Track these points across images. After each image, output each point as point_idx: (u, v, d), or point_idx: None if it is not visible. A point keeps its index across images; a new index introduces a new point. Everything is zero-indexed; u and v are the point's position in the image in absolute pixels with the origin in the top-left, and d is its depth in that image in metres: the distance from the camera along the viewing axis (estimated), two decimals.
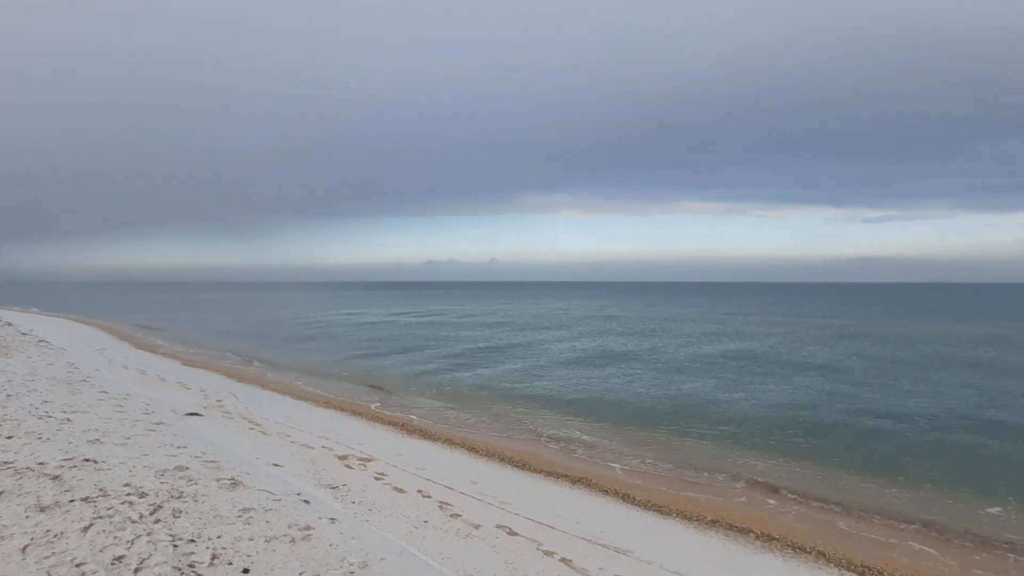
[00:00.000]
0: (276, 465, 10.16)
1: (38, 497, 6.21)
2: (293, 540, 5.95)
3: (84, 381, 14.97)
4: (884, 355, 32.48)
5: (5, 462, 7.27)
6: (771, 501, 11.62)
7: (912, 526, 10.62)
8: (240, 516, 6.41)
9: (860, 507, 11.36)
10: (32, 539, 5.23)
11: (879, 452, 14.72)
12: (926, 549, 9.75)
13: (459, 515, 9.05)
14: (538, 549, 8.08)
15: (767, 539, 9.62)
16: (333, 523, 6.67)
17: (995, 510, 11.36)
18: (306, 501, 7.41)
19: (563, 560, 7.77)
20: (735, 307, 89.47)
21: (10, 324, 31.31)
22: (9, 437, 8.41)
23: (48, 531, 5.42)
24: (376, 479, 10.49)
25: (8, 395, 11.45)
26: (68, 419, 10.13)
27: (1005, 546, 9.89)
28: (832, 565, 8.84)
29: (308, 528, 6.33)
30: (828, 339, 41.12)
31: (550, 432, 16.44)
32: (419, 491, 10.06)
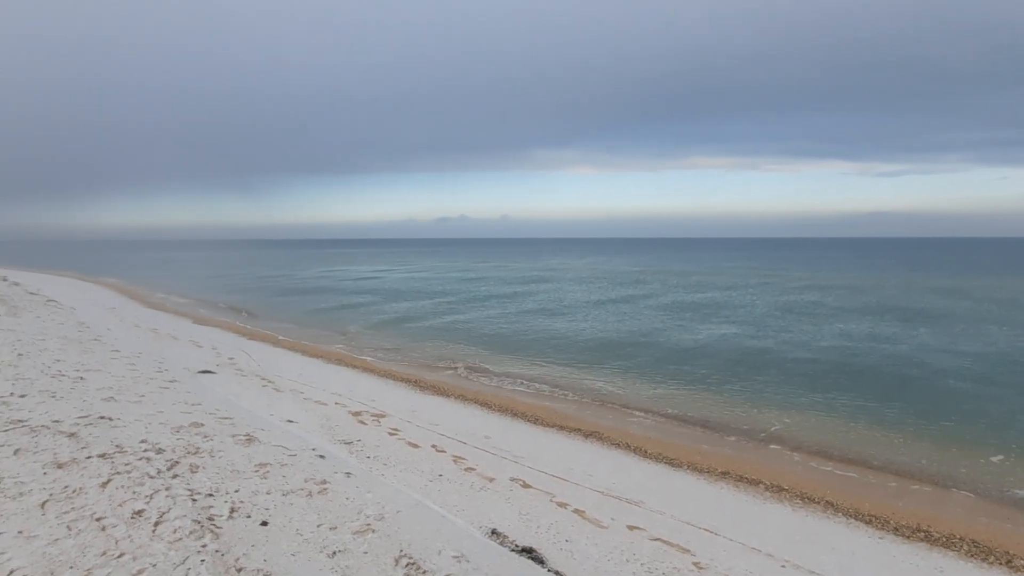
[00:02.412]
0: (290, 421, 10.23)
1: (55, 454, 6.24)
2: (310, 494, 5.99)
3: (95, 340, 15.04)
4: (896, 311, 32.38)
5: (20, 420, 7.31)
6: (782, 453, 11.69)
7: (918, 476, 10.72)
8: (257, 471, 6.45)
9: (868, 458, 11.44)
10: (51, 495, 5.27)
11: (887, 404, 14.76)
12: (932, 497, 9.86)
13: (473, 469, 9.12)
14: (551, 501, 8.15)
15: (777, 490, 9.70)
16: (349, 477, 6.71)
17: (997, 459, 11.48)
18: (321, 456, 7.45)
19: (576, 511, 7.84)
20: (751, 263, 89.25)
21: (17, 284, 31.41)
22: (23, 396, 8.45)
23: (66, 487, 5.46)
24: (390, 434, 10.56)
25: (19, 354, 11.50)
26: (81, 377, 10.18)
27: (1008, 494, 10.01)
28: (840, 514, 8.93)
29: (324, 482, 6.36)
30: (841, 295, 41.02)
31: (562, 386, 16.52)
32: (433, 446, 10.13)
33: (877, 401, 15.03)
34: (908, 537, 8.33)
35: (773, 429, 12.98)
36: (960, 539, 8.29)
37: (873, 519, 8.82)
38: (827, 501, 9.35)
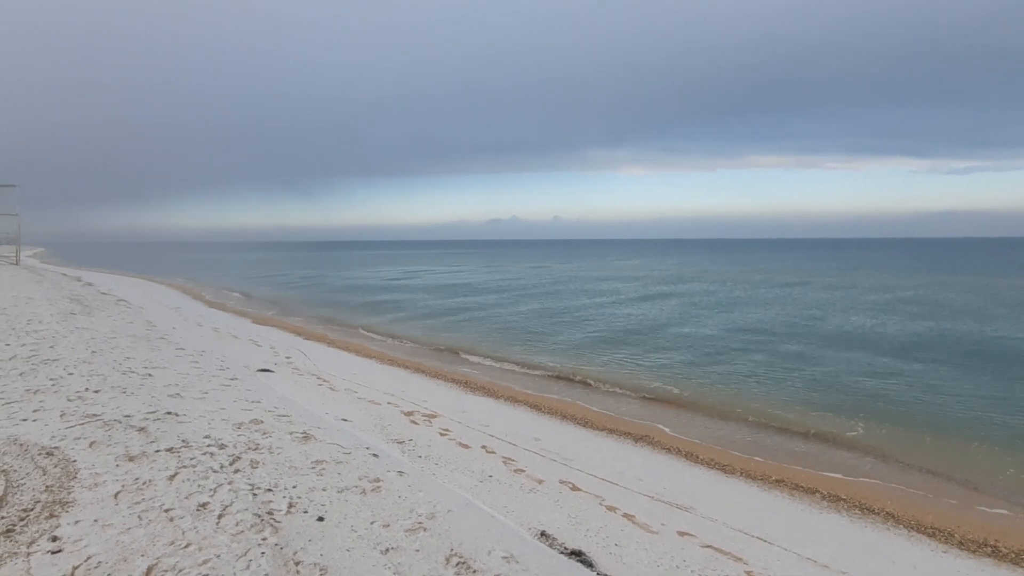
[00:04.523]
0: (345, 420, 10.48)
1: (126, 447, 6.56)
2: (364, 491, 6.14)
3: (162, 338, 15.65)
4: (969, 318, 31.14)
5: (94, 414, 7.70)
6: (840, 462, 11.40)
7: (986, 489, 10.32)
8: (313, 468, 6.65)
9: (933, 469, 11.07)
10: (123, 486, 5.55)
11: (955, 416, 14.21)
12: (999, 511, 9.48)
13: (522, 470, 9.18)
14: (601, 504, 8.15)
15: (834, 499, 9.48)
16: (401, 476, 6.85)
17: None
18: (375, 455, 7.62)
19: (626, 515, 7.83)
20: (809, 265, 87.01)
21: (91, 284, 32.89)
22: (96, 391, 8.89)
23: (137, 479, 5.74)
24: (441, 435, 10.72)
25: (93, 352, 12.07)
26: (149, 374, 10.63)
27: None
28: (901, 526, 8.68)
29: (378, 480, 6.51)
30: (905, 299, 39.65)
31: (613, 390, 16.44)
32: (483, 447, 10.24)
33: (945, 413, 14.49)
34: (974, 552, 8.05)
35: (834, 438, 12.68)
36: None
37: (936, 532, 8.54)
38: (887, 512, 9.10)
